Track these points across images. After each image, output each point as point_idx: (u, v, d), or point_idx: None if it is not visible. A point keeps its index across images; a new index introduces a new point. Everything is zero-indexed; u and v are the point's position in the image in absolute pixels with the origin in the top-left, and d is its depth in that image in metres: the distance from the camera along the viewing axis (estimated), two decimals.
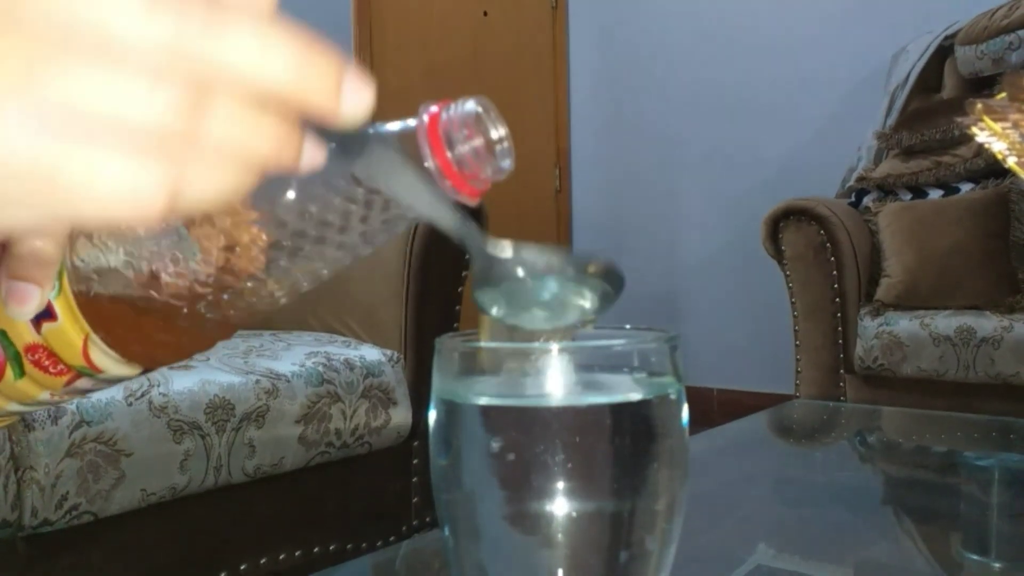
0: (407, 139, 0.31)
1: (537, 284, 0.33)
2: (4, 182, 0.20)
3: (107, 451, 1.12)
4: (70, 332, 0.33)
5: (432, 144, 0.30)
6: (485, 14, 3.55)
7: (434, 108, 0.31)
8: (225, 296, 0.31)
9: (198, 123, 0.21)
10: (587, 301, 0.34)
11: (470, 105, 0.30)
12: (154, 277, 0.31)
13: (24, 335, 0.33)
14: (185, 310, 0.32)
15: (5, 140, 0.20)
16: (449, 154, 0.30)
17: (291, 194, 0.30)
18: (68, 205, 0.21)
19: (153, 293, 0.31)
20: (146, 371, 0.36)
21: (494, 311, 0.33)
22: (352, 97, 0.23)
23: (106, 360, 0.34)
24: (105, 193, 0.21)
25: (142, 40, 0.20)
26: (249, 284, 0.31)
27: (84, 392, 0.36)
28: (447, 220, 0.31)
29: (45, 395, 0.35)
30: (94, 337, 0.33)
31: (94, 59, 0.20)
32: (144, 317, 0.32)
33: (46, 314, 0.32)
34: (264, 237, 0.31)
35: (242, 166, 0.23)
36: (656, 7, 3.62)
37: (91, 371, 0.34)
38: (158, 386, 1.19)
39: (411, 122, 0.31)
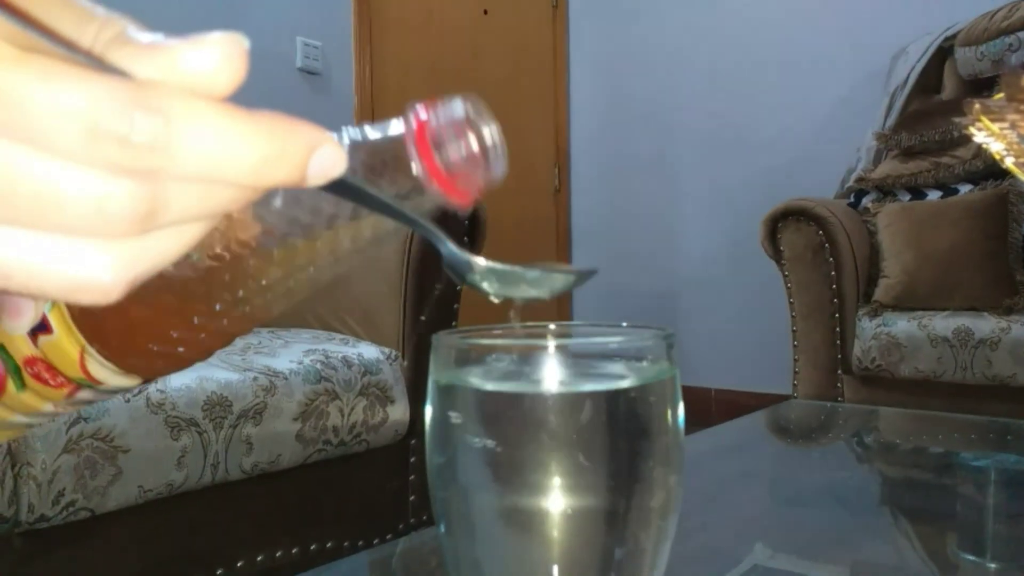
0: (395, 145, 0.30)
1: (505, 272, 0.33)
2: None
3: (104, 447, 1.12)
4: (66, 345, 0.32)
5: (420, 150, 0.29)
6: (485, 12, 3.55)
7: (422, 111, 0.30)
8: (217, 307, 0.31)
9: (152, 214, 0.21)
10: (555, 279, 0.34)
11: (458, 107, 0.29)
12: (143, 290, 0.31)
13: (22, 348, 0.33)
14: (178, 322, 0.31)
15: None
16: (438, 160, 0.29)
17: (280, 205, 0.30)
18: (24, 290, 0.21)
19: (144, 306, 0.31)
20: (146, 381, 0.35)
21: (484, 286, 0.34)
22: (318, 175, 0.23)
23: (104, 372, 0.33)
24: (58, 282, 0.21)
25: (94, 141, 0.20)
26: (240, 294, 0.31)
27: (86, 403, 0.36)
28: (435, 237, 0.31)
29: (48, 406, 0.35)
30: (90, 350, 0.32)
31: (52, 156, 0.20)
32: (139, 329, 0.32)
33: (41, 327, 0.32)
34: (254, 246, 0.30)
35: (197, 228, 0.23)
36: (656, 6, 3.62)
37: (90, 383, 0.34)
38: (156, 383, 1.19)
39: (398, 125, 0.30)
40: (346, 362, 1.44)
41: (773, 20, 3.34)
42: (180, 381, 1.22)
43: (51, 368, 0.33)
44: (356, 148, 0.30)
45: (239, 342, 1.42)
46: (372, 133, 0.30)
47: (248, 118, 0.21)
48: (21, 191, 0.20)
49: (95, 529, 1.14)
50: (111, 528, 1.16)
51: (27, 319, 0.32)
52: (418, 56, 3.29)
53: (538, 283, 0.32)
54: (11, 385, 0.34)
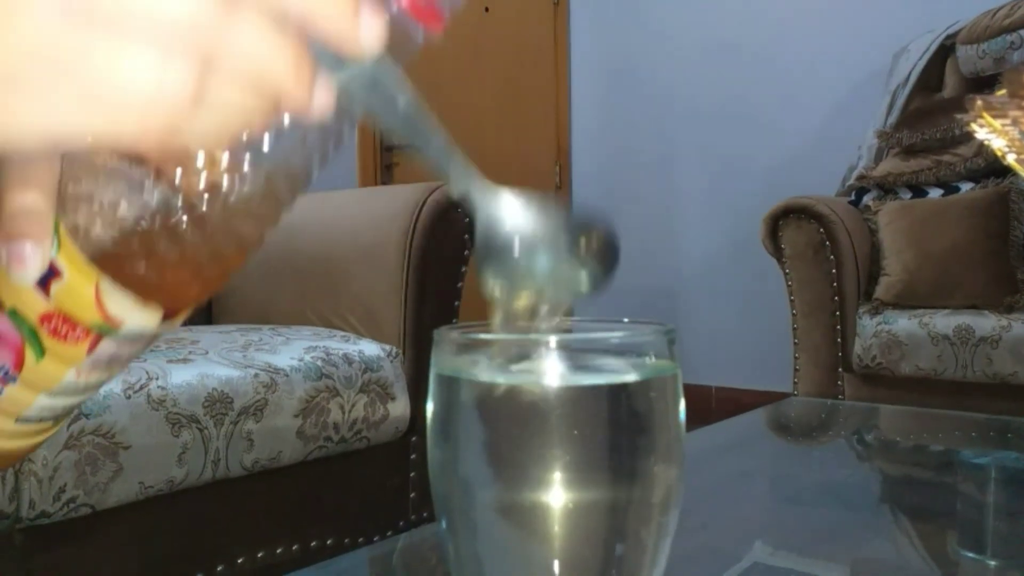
0: None
1: (532, 260, 0.33)
2: (29, 68, 0.21)
3: (105, 444, 1.12)
4: (79, 284, 0.32)
5: None
6: (487, 10, 3.55)
7: None
8: (209, 226, 0.31)
9: (224, 28, 0.22)
10: (581, 279, 0.34)
11: None
12: (141, 218, 0.31)
13: (35, 305, 0.32)
14: (183, 243, 0.31)
15: (32, 27, 0.20)
16: None
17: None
18: (90, 96, 0.21)
19: (143, 235, 0.31)
20: (166, 318, 0.34)
21: (493, 284, 0.34)
22: (368, 26, 0.25)
23: (122, 306, 0.32)
24: (127, 84, 0.21)
25: None
26: (229, 203, 0.31)
27: (109, 362, 0.34)
28: (447, 164, 0.31)
29: (71, 375, 0.34)
30: (104, 282, 0.32)
31: None
32: (151, 255, 0.31)
33: (51, 273, 0.32)
34: (225, 159, 0.30)
35: (258, 88, 0.24)
36: (657, 4, 3.61)
37: (109, 326, 0.33)
38: (156, 379, 1.19)
39: None
40: (347, 359, 1.44)
41: (774, 19, 3.34)
42: (181, 377, 1.22)
43: (68, 319, 0.32)
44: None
45: (240, 339, 1.42)
46: None
47: None
48: None
49: (96, 525, 1.14)
50: (112, 524, 1.16)
51: (35, 263, 0.31)
52: (419, 54, 3.28)
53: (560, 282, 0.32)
54: (30, 355, 0.33)
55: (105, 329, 0.33)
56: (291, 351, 1.40)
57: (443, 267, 1.63)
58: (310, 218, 1.79)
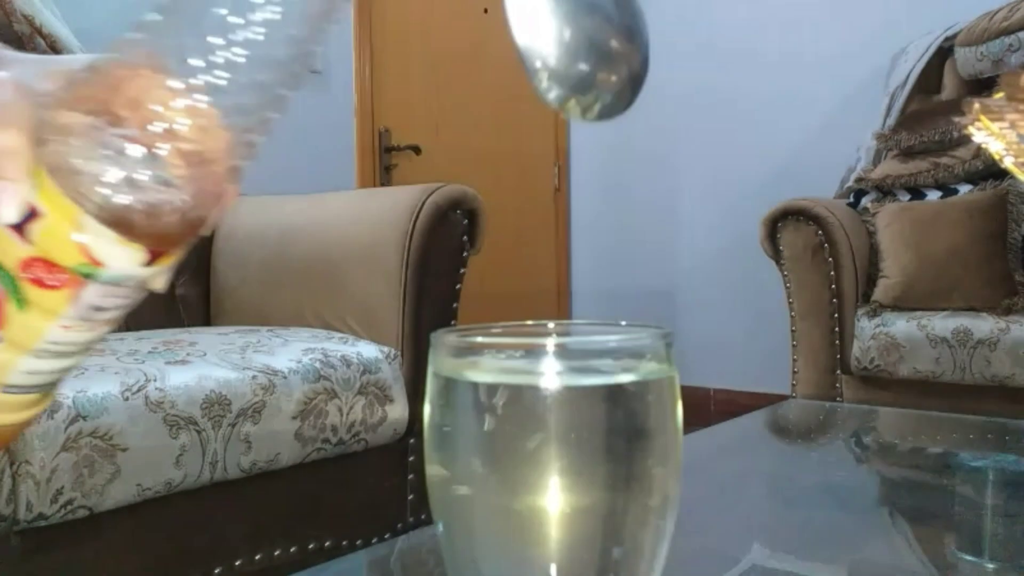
0: None
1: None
2: None
3: (103, 446, 1.12)
4: (60, 222, 0.31)
5: None
6: (485, 11, 3.55)
7: None
8: (191, 157, 0.31)
9: None
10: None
11: None
12: (121, 156, 0.30)
13: (15, 252, 0.31)
14: (164, 175, 0.31)
15: None
16: None
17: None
18: None
19: (126, 174, 0.30)
20: (152, 260, 0.33)
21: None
22: None
23: (104, 243, 0.31)
24: None
25: None
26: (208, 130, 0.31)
27: (93, 315, 0.33)
28: None
29: (55, 329, 0.33)
30: (86, 218, 0.31)
31: None
32: (132, 190, 0.31)
33: (31, 215, 0.31)
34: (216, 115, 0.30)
35: None
36: (656, 5, 3.62)
37: (92, 267, 0.32)
38: (154, 381, 1.19)
39: None
40: (345, 361, 1.44)
41: (774, 19, 3.34)
42: (179, 379, 1.22)
43: (49, 264, 0.31)
44: None
45: (238, 340, 1.42)
46: None
47: None
48: None
49: (93, 528, 1.14)
50: (109, 527, 1.16)
51: (10, 207, 0.30)
52: (418, 56, 3.29)
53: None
54: (11, 307, 0.32)
55: (88, 270, 0.32)
56: (289, 353, 1.40)
57: (442, 269, 1.63)
58: (309, 219, 1.79)
